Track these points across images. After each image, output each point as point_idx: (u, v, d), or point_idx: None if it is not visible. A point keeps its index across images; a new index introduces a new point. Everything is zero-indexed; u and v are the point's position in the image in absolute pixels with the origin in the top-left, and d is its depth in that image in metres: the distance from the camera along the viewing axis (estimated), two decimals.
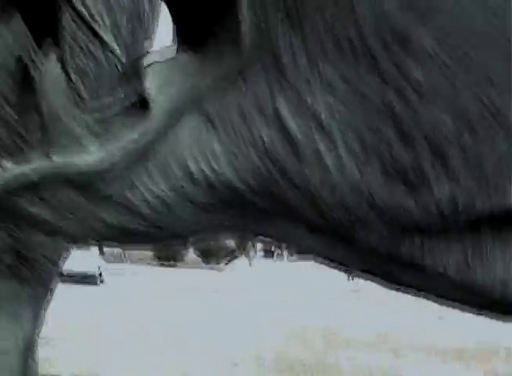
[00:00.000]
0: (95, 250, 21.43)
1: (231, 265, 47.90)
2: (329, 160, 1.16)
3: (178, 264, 41.70)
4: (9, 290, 2.47)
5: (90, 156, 1.13)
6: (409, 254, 1.28)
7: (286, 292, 24.58)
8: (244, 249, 54.01)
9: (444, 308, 1.50)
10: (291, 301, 20.52)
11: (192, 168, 1.16)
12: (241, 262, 50.76)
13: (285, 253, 72.26)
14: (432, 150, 1.18)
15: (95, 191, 1.14)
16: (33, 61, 1.38)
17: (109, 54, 2.33)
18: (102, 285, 21.93)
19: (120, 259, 42.22)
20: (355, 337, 12.24)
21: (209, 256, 46.48)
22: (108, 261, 27.55)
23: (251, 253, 53.98)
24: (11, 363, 2.42)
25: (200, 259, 46.53)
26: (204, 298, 19.45)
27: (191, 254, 46.84)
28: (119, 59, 1.37)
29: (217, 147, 1.16)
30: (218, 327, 12.39)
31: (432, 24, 1.15)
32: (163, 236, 1.22)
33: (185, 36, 1.24)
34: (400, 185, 1.20)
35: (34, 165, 1.13)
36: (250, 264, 48.95)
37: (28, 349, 2.50)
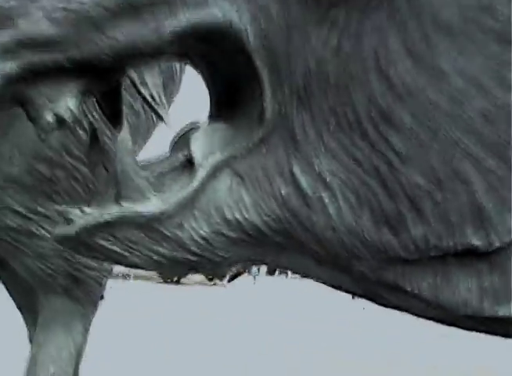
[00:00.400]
0: None
1: (234, 282, 47.94)
2: (331, 209, 1.54)
3: (182, 281, 41.85)
4: (63, 307, 2.88)
5: (150, 204, 1.50)
6: (393, 279, 1.64)
7: (291, 309, 24.77)
8: (247, 267, 54.29)
9: None
10: (296, 320, 20.70)
11: (228, 214, 1.53)
12: (245, 279, 50.91)
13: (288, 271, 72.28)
14: (409, 201, 1.55)
15: (153, 230, 1.51)
16: (93, 126, 1.74)
17: (148, 109, 2.72)
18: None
19: (123, 277, 42.46)
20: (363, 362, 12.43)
21: (213, 275, 46.60)
22: (113, 278, 27.65)
23: (254, 271, 53.86)
24: (66, 368, 2.81)
25: (203, 277, 46.62)
26: (207, 316, 19.68)
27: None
28: (156, 112, 1.71)
29: (246, 199, 1.53)
30: (219, 344, 12.57)
31: (409, 105, 1.53)
32: (205, 266, 1.59)
33: (221, 111, 1.61)
34: (385, 227, 1.56)
35: (108, 210, 1.50)
36: (254, 282, 48.93)
37: (79, 357, 2.90)
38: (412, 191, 1.55)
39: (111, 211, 1.49)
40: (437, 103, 1.52)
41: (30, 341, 3.24)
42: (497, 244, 1.58)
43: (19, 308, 3.40)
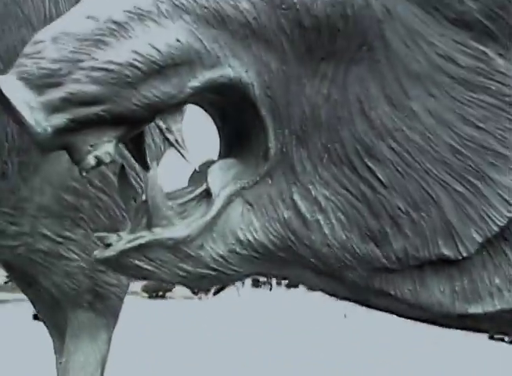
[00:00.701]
0: None
1: (219, 295, 48.07)
2: (326, 229, 1.85)
3: (167, 295, 41.92)
4: (89, 320, 3.24)
5: (176, 229, 1.80)
6: (379, 286, 1.96)
7: (275, 320, 24.98)
8: None
9: None
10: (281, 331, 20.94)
11: (241, 236, 1.83)
12: (229, 292, 51.01)
13: (273, 283, 72.19)
14: (391, 220, 1.87)
15: (180, 251, 1.81)
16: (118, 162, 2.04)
17: (157, 142, 3.04)
18: None
19: None
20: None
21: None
22: None
23: (238, 283, 53.82)
24: (94, 373, 3.14)
25: (188, 291, 46.77)
26: (193, 329, 19.87)
27: (179, 287, 47.12)
28: (180, 153, 1.99)
29: (255, 222, 1.84)
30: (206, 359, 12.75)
31: (388, 141, 1.85)
32: (222, 280, 1.89)
33: (231, 150, 1.93)
34: (371, 242, 1.88)
35: (142, 236, 1.80)
36: (238, 294, 48.96)
37: (104, 363, 3.24)
38: (393, 212, 1.87)
39: (144, 236, 1.79)
40: (411, 139, 1.84)
41: (55, 351, 3.59)
42: (464, 254, 1.90)
43: (44, 322, 3.76)
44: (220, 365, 11.69)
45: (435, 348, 17.06)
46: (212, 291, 48.17)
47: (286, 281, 78.61)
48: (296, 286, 74.52)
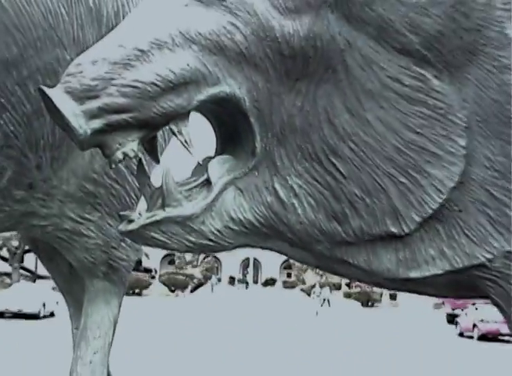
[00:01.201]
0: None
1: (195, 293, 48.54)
2: (299, 210, 2.40)
3: (144, 292, 42.30)
4: (104, 288, 3.85)
5: (184, 209, 2.33)
6: (340, 256, 2.51)
7: (247, 316, 25.50)
8: (209, 279, 54.77)
9: None
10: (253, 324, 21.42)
11: (233, 215, 2.37)
12: (204, 289, 51.50)
13: (248, 280, 72.61)
14: (350, 204, 2.42)
15: (187, 226, 2.34)
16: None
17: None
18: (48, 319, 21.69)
19: None
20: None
21: (176, 286, 47.20)
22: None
23: (213, 280, 53.64)
24: (107, 331, 3.71)
25: (165, 288, 47.13)
26: (170, 324, 20.19)
27: (156, 284, 47.47)
28: (188, 151, 2.51)
29: (245, 205, 2.38)
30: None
31: (348, 143, 2.39)
32: (219, 249, 2.43)
33: (225, 148, 2.46)
34: (334, 221, 2.43)
35: (157, 214, 2.33)
36: (212, 290, 49.40)
37: (115, 324, 3.83)
38: (351, 197, 2.42)
39: (159, 214, 2.32)
40: (365, 141, 2.39)
41: (71, 318, 4.17)
42: (406, 231, 2.45)
43: (62, 292, 4.35)
44: (195, 360, 12.06)
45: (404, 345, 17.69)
46: (189, 288, 48.74)
47: (263, 280, 77.40)
48: (272, 284, 74.19)
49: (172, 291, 46.49)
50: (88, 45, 2.98)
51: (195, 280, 52.40)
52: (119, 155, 2.26)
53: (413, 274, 2.52)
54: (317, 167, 2.41)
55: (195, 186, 2.40)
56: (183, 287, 47.64)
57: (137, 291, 41.33)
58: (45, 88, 2.19)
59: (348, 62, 2.38)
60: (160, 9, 2.31)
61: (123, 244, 3.93)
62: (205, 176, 2.40)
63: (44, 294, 22.75)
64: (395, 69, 2.42)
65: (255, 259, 76.87)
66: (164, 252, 56.24)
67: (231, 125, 2.46)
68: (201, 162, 2.50)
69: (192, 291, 49.19)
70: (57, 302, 21.82)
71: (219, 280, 64.86)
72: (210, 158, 2.46)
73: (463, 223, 2.47)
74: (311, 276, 58.26)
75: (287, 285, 68.27)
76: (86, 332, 3.86)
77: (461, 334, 23.50)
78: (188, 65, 2.23)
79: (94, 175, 3.67)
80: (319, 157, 2.40)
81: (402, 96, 2.42)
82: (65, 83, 2.19)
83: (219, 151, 2.52)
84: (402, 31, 2.39)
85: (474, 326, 22.66)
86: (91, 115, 2.17)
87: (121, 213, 2.42)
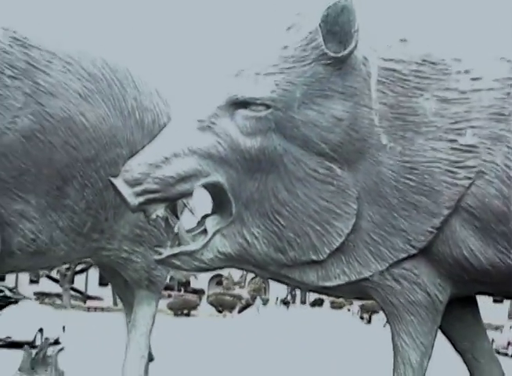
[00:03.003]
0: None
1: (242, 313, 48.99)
2: (258, 246, 4.17)
3: (192, 313, 43.27)
4: (147, 294, 6.00)
5: (191, 246, 4.09)
6: (284, 273, 4.26)
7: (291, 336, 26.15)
8: (255, 299, 55.16)
9: None
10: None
11: (220, 249, 4.12)
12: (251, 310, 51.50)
13: (297, 301, 72.61)
14: (288, 242, 4.14)
15: (193, 257, 4.08)
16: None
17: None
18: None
19: None
20: None
21: (223, 307, 48.22)
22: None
23: (257, 301, 53.54)
24: (148, 326, 5.90)
25: (213, 309, 48.13)
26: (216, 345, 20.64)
27: (204, 304, 48.59)
28: (191, 212, 4.35)
29: (227, 244, 4.14)
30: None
31: (285, 206, 4.13)
32: (212, 269, 4.21)
33: (217, 209, 4.23)
34: (279, 252, 4.17)
35: (175, 249, 4.09)
36: (258, 312, 48.92)
37: (153, 318, 5.87)
38: (288, 238, 4.13)
39: (176, 250, 4.09)
40: (296, 206, 4.09)
41: (126, 315, 6.11)
42: (321, 258, 4.15)
43: (120, 297, 6.37)
44: None
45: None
46: (237, 309, 49.78)
47: (311, 300, 75.62)
48: (320, 305, 73.29)
49: (220, 312, 47.51)
50: (136, 145, 4.96)
51: (242, 301, 53.31)
52: (154, 216, 4.03)
53: (327, 284, 4.23)
54: (268, 221, 4.12)
55: (197, 233, 4.15)
56: (231, 308, 48.58)
57: (185, 311, 42.63)
58: (112, 179, 3.99)
59: (285, 161, 4.09)
60: (177, 131, 4.08)
61: (158, 266, 5.77)
62: (203, 227, 4.14)
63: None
64: (314, 164, 4.10)
65: None
66: (212, 273, 56.46)
67: (218, 197, 4.20)
68: (201, 218, 4.25)
69: (239, 312, 50.08)
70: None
71: (266, 300, 65.26)
72: (206, 216, 4.22)
73: (355, 253, 4.16)
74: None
75: (335, 305, 68.64)
76: (135, 323, 5.87)
77: (497, 352, 24.08)
78: (191, 167, 3.99)
79: (140, 223, 5.57)
80: (268, 216, 4.12)
81: (318, 180, 4.10)
82: (123, 175, 3.96)
83: (213, 211, 4.27)
84: (317, 142, 4.07)
85: (509, 343, 23.82)
86: (138, 194, 3.94)
87: (156, 248, 4.20)
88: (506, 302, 37.08)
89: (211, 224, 4.14)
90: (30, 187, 4.71)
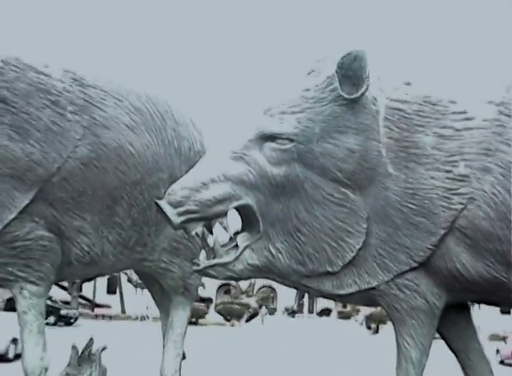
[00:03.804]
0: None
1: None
2: (282, 260, 4.86)
3: (200, 321, 43.93)
4: (182, 300, 6.82)
5: (224, 259, 4.79)
6: (304, 283, 4.96)
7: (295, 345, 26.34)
8: (261, 307, 55.41)
9: None
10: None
11: (250, 261, 4.81)
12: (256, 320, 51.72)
13: (305, 311, 72.82)
14: (308, 256, 4.84)
15: (225, 267, 4.77)
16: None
17: None
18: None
19: (142, 318, 45.29)
20: None
21: (231, 316, 48.92)
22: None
23: (263, 311, 53.86)
24: (183, 328, 6.63)
25: (221, 317, 48.69)
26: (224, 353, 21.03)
27: (212, 313, 49.55)
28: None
29: (255, 256, 4.83)
30: None
31: (305, 225, 4.84)
32: (242, 278, 4.91)
33: (246, 227, 4.94)
34: (300, 265, 4.87)
35: (212, 261, 4.79)
36: (262, 322, 49.68)
37: (188, 321, 6.70)
38: (308, 253, 4.83)
39: (212, 262, 4.80)
40: (315, 225, 4.78)
41: (161, 318, 6.85)
42: (336, 270, 4.85)
43: (157, 304, 7.33)
44: None
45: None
46: (244, 317, 50.29)
47: (318, 310, 75.44)
48: (328, 314, 73.04)
49: (228, 320, 48.04)
50: (174, 170, 5.83)
51: (250, 310, 53.81)
52: (193, 233, 4.74)
53: (341, 292, 4.92)
54: (290, 238, 4.81)
55: (230, 248, 4.85)
56: (239, 317, 49.16)
57: (193, 320, 42.35)
58: (158, 201, 4.69)
59: (305, 186, 4.78)
60: (214, 160, 4.78)
61: (192, 276, 6.56)
62: (235, 242, 4.84)
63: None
64: (330, 189, 4.79)
65: None
66: (220, 282, 56.55)
67: (248, 217, 4.90)
68: (233, 235, 4.96)
69: (247, 321, 50.55)
70: None
71: (273, 310, 65.48)
72: (237, 233, 4.92)
73: (365, 266, 4.85)
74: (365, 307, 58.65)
75: (342, 315, 69.27)
76: (172, 325, 6.66)
77: (502, 362, 24.99)
78: (227, 192, 4.69)
79: (177, 238, 6.35)
80: (291, 233, 4.81)
81: (333, 203, 4.79)
82: (167, 198, 4.66)
83: (242, 228, 4.97)
84: (333, 171, 4.76)
85: None
86: (180, 214, 4.63)
87: (193, 260, 4.91)
88: None
89: (242, 240, 4.83)
90: (87, 207, 5.50)
